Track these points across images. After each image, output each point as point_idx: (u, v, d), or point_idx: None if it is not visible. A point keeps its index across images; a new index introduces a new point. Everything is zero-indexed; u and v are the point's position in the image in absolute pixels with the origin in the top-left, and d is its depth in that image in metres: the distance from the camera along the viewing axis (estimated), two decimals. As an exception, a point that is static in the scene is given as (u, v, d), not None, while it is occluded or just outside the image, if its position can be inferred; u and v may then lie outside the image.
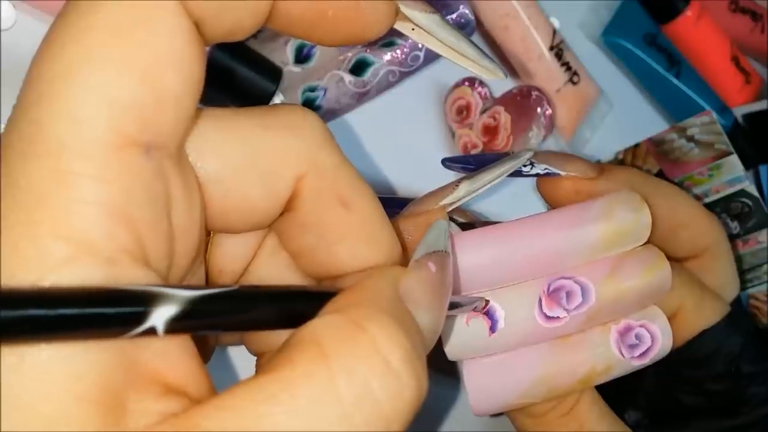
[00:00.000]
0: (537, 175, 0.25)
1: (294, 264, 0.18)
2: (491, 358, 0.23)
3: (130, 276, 0.13)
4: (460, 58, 0.19)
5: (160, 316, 0.12)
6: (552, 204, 0.27)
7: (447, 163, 0.28)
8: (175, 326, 0.13)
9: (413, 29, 0.18)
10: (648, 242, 0.23)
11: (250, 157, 0.16)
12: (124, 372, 0.13)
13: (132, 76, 0.13)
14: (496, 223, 0.23)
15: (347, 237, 0.17)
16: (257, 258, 0.18)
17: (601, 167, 0.26)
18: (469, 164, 0.26)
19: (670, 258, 0.23)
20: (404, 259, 0.18)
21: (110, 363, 0.12)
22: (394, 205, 0.35)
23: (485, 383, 0.23)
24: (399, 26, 0.18)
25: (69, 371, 0.12)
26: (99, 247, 0.12)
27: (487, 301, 0.22)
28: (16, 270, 0.12)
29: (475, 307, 0.21)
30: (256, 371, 0.18)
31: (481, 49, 0.20)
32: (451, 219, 0.23)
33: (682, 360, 0.26)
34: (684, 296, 0.25)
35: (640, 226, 0.23)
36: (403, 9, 0.18)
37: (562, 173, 0.26)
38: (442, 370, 0.39)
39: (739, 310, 0.27)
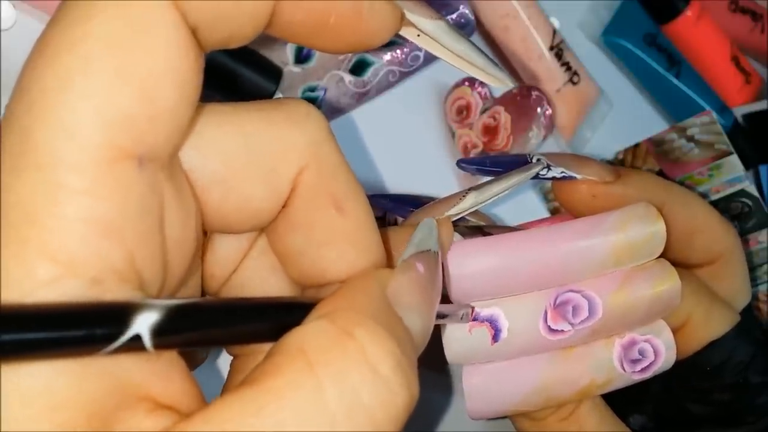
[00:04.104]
0: (553, 178, 0.25)
1: (279, 267, 0.18)
2: (491, 364, 0.23)
3: (115, 296, 0.12)
4: (467, 65, 0.19)
5: (142, 323, 0.12)
6: (567, 207, 0.26)
7: (462, 164, 0.27)
8: (161, 341, 0.12)
9: (419, 35, 0.18)
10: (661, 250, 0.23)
11: (252, 153, 0.15)
12: (110, 395, 0.12)
13: (127, 87, 0.12)
14: (507, 228, 0.23)
15: (336, 241, 0.16)
16: (245, 259, 0.18)
17: (617, 171, 0.26)
18: (485, 166, 0.26)
19: (683, 265, 0.23)
20: (389, 267, 0.17)
21: (95, 388, 0.12)
22: (407, 203, 0.35)
23: (483, 388, 0.23)
24: (404, 32, 0.18)
25: (51, 400, 0.12)
26: (85, 267, 0.12)
27: (473, 309, 0.22)
28: (1, 289, 0.12)
29: (462, 316, 0.20)
30: (230, 372, 0.18)
31: (488, 56, 0.19)
32: (457, 224, 0.23)
33: (690, 370, 0.26)
34: (693, 306, 0.25)
35: (653, 242, 0.22)
36: (409, 16, 0.17)
37: (579, 176, 0.25)
38: (437, 370, 0.39)
39: (750, 319, 0.27)
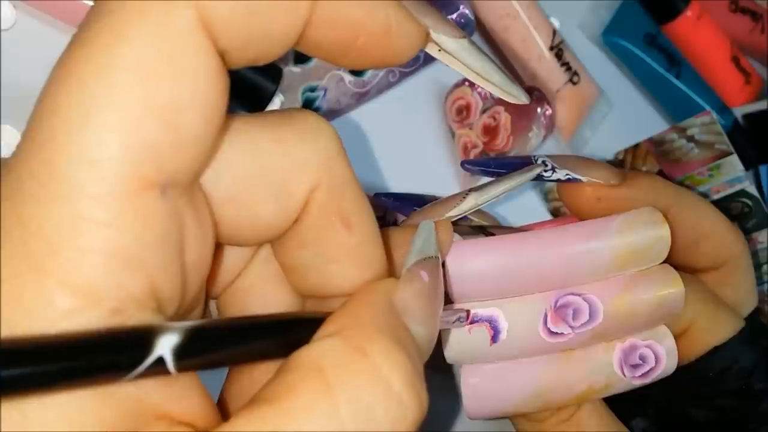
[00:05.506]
0: (558, 180, 0.25)
1: (281, 276, 0.18)
2: (490, 364, 0.23)
3: (135, 323, 0.12)
4: (484, 82, 0.19)
5: (164, 345, 0.12)
6: (572, 210, 0.26)
7: (466, 166, 0.27)
8: (183, 363, 0.12)
9: (439, 50, 0.18)
10: (667, 255, 0.22)
11: (264, 171, 0.15)
12: (129, 418, 0.12)
13: (154, 117, 0.12)
14: (509, 229, 0.23)
15: (343, 258, 0.16)
16: (248, 266, 0.18)
17: (623, 174, 0.25)
18: (489, 167, 0.26)
19: (689, 269, 0.22)
20: (391, 272, 0.18)
21: (114, 414, 0.12)
22: (411, 202, 0.34)
23: (482, 389, 0.23)
24: (426, 48, 0.18)
25: (72, 429, 0.12)
26: (106, 298, 0.12)
27: (468, 312, 0.22)
28: (20, 321, 0.12)
29: (458, 320, 0.20)
30: (229, 377, 0.18)
31: (506, 73, 0.19)
32: (459, 224, 0.23)
33: (693, 375, 0.25)
34: (697, 312, 0.25)
35: (658, 247, 0.22)
36: (433, 35, 0.17)
37: (584, 179, 0.25)
38: (441, 371, 0.39)
39: (756, 325, 0.27)
